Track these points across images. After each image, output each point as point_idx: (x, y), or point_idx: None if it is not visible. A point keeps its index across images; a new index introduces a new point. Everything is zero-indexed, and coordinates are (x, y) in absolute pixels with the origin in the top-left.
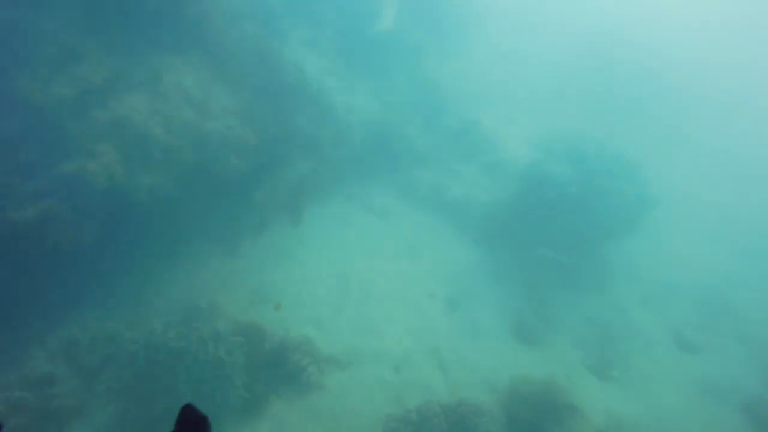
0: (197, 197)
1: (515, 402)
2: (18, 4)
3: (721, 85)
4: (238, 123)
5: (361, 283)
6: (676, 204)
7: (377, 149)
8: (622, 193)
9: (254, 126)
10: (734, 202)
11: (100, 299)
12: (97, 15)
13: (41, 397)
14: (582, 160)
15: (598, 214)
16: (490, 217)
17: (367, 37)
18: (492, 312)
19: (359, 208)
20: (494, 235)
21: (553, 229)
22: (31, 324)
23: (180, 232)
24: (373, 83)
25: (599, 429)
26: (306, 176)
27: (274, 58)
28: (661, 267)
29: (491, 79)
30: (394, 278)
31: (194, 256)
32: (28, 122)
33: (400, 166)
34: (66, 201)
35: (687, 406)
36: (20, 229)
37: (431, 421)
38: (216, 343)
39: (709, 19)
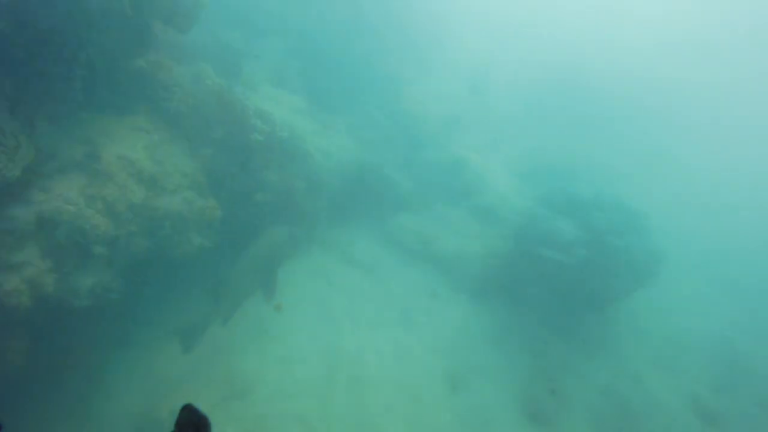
0: (152, 289)
1: None
2: None
3: (718, 112)
4: (198, 194)
5: (349, 363)
6: (675, 249)
7: (356, 194)
8: (630, 251)
9: (218, 193)
10: (729, 242)
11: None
12: (12, 82)
13: None
14: (583, 212)
15: (606, 275)
16: (486, 274)
17: (339, 69)
18: (498, 388)
19: (340, 262)
20: (492, 294)
21: (559, 289)
22: None
23: (131, 331)
24: (347, 119)
25: None
26: (280, 244)
27: (238, 106)
28: (667, 321)
29: (469, 108)
30: (386, 353)
31: (149, 354)
32: None
33: (382, 212)
34: None
35: None
36: None
37: None
38: None
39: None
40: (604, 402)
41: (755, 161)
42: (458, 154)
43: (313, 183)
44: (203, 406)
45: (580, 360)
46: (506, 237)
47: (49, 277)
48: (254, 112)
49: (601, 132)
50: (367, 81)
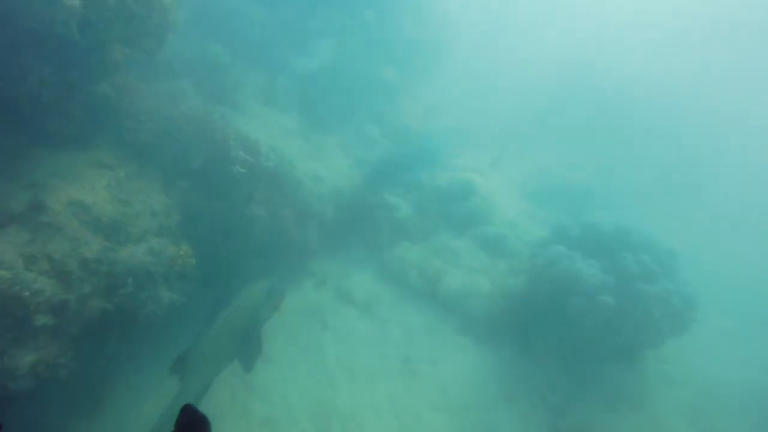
0: (112, 359)
1: None
2: None
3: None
4: (169, 239)
5: (344, 424)
6: (709, 288)
7: (352, 222)
8: (665, 300)
9: (195, 232)
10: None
11: None
12: None
13: None
14: (608, 251)
15: (637, 325)
16: (497, 315)
17: (332, 85)
18: None
19: (334, 300)
20: (504, 339)
21: (581, 337)
22: None
23: (89, 409)
24: (341, 139)
25: None
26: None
27: (218, 133)
28: (702, 370)
29: (471, 122)
30: (386, 412)
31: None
32: None
33: (379, 241)
34: None
35: None
36: None
37: None
38: None
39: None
40: None
41: None
42: (462, 176)
43: (304, 213)
44: None
45: (605, 416)
46: (518, 273)
47: None
48: (236, 141)
49: (617, 149)
50: (361, 96)
